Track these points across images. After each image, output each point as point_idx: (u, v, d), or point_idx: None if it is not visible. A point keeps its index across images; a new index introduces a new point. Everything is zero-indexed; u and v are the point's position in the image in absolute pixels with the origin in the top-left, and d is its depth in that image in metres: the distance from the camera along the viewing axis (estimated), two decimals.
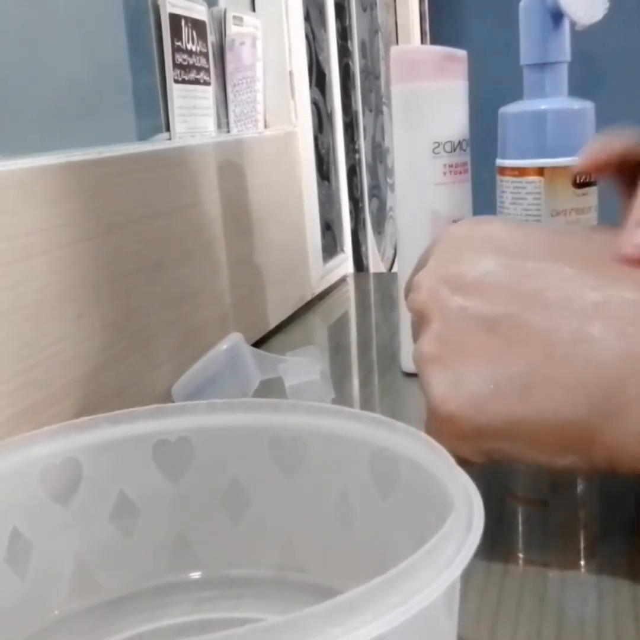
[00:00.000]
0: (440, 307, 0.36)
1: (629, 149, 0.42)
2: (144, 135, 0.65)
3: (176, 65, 0.64)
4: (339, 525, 0.33)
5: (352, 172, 1.14)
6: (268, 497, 0.34)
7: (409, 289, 0.39)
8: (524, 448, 0.34)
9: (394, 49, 0.57)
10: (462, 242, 0.37)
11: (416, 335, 0.38)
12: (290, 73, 0.85)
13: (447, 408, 0.34)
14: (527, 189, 0.55)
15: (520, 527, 0.39)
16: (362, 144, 1.18)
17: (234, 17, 0.74)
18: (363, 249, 1.19)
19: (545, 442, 0.33)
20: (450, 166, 0.56)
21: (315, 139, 0.94)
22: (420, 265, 0.39)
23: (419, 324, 0.37)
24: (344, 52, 1.11)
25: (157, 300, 0.55)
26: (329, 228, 1.00)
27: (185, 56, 0.65)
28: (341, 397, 0.56)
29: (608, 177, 0.44)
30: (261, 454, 0.34)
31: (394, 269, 1.35)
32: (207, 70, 0.70)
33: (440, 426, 0.35)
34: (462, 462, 0.34)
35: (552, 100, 0.56)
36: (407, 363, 0.61)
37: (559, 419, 0.32)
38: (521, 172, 0.56)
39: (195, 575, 0.35)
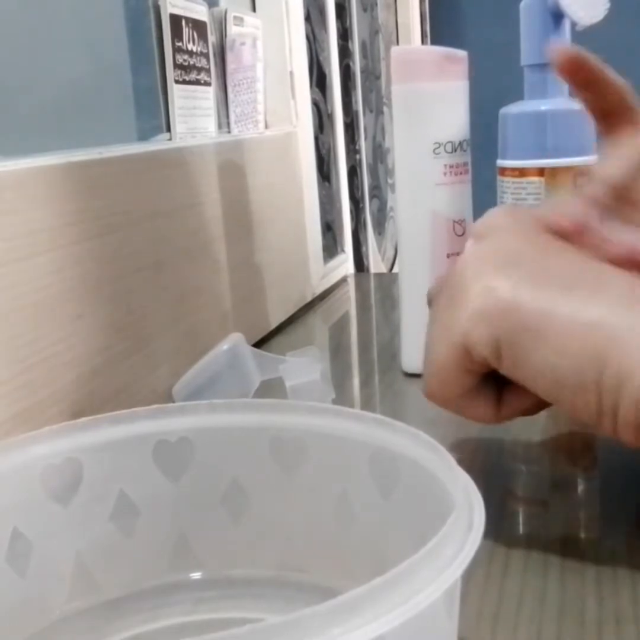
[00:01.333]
0: (502, 223, 0.38)
1: (606, 77, 0.44)
2: (144, 135, 0.65)
3: (177, 66, 0.64)
4: (339, 526, 0.33)
5: (353, 172, 1.14)
6: (268, 497, 0.34)
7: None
8: (542, 347, 0.33)
9: (394, 50, 0.57)
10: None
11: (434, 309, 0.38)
12: (291, 73, 0.85)
13: (485, 281, 0.34)
14: (528, 189, 0.56)
15: (520, 527, 0.39)
16: (363, 144, 1.19)
17: (235, 17, 0.74)
18: (363, 249, 1.19)
19: (566, 346, 0.32)
20: (451, 166, 0.56)
21: (316, 139, 0.94)
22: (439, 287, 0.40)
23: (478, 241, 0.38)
24: (345, 53, 1.11)
25: (158, 300, 0.55)
26: (329, 228, 1.00)
27: (185, 56, 0.65)
28: (341, 397, 0.56)
29: (581, 93, 0.45)
30: (261, 454, 0.34)
31: (395, 270, 1.35)
32: (208, 71, 0.70)
33: (468, 299, 0.34)
34: (459, 366, 0.35)
35: (552, 101, 0.56)
36: (408, 363, 0.61)
37: (590, 325, 0.32)
38: (521, 172, 0.56)
39: (195, 575, 0.35)
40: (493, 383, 0.37)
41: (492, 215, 0.39)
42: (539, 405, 0.38)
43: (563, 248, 0.36)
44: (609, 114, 0.43)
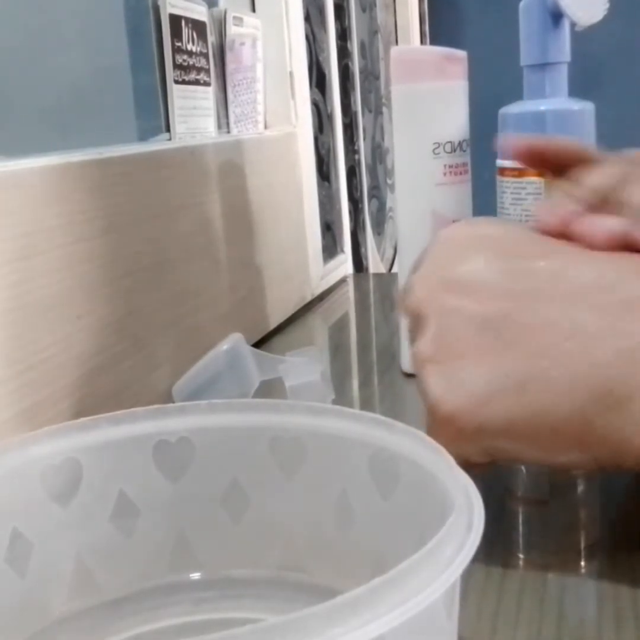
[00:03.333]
0: (435, 308, 0.36)
1: (563, 148, 0.44)
2: (144, 135, 0.65)
3: (176, 66, 0.64)
4: (339, 526, 0.33)
5: (352, 172, 1.14)
6: (268, 497, 0.34)
7: (404, 292, 0.39)
8: (525, 447, 0.34)
9: (394, 50, 0.57)
10: (456, 243, 0.38)
11: (413, 337, 0.38)
12: (291, 74, 0.85)
13: (445, 409, 0.34)
14: (528, 189, 0.56)
15: (520, 527, 0.39)
16: (362, 144, 1.18)
17: (234, 17, 0.74)
18: (363, 249, 1.19)
19: (545, 440, 0.33)
20: (450, 167, 0.56)
21: (316, 139, 0.94)
22: (416, 268, 0.39)
23: (415, 325, 0.37)
24: (343, 53, 1.11)
25: (157, 300, 0.55)
26: (329, 229, 1.00)
27: (185, 57, 0.65)
28: (341, 397, 0.56)
29: (534, 168, 0.46)
30: (261, 454, 0.34)
31: (394, 270, 1.35)
32: (207, 71, 0.70)
33: (441, 427, 0.35)
34: (467, 464, 0.35)
35: (552, 101, 0.56)
36: (407, 363, 0.61)
37: (558, 416, 0.32)
38: (521, 172, 0.56)
39: (195, 575, 0.35)
40: None
41: (424, 290, 0.37)
42: None
43: (488, 316, 0.35)
44: (566, 168, 0.43)
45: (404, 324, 0.60)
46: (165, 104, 0.64)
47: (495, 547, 0.37)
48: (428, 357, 0.35)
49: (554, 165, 0.43)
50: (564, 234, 0.36)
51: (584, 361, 0.32)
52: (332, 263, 0.98)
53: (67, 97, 0.57)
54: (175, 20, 0.63)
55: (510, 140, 0.44)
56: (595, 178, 0.39)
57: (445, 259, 0.37)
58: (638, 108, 1.60)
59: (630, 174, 0.38)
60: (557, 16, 0.54)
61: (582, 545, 0.38)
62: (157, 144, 0.63)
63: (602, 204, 0.38)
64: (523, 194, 0.56)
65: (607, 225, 0.35)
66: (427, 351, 0.35)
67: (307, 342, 0.75)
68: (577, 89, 0.56)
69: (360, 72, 1.21)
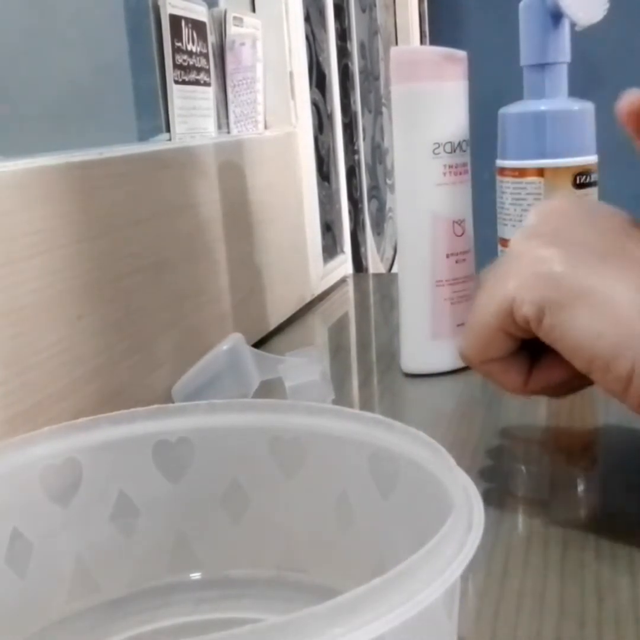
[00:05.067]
0: (539, 213, 0.39)
1: None
2: (144, 136, 0.65)
3: (176, 66, 0.64)
4: (338, 526, 0.33)
5: (352, 173, 1.14)
6: (268, 497, 0.34)
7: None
8: (586, 316, 0.34)
9: (394, 50, 0.57)
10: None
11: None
12: (291, 74, 0.85)
13: (540, 250, 0.36)
14: (528, 189, 0.56)
15: (520, 527, 0.39)
16: (362, 144, 1.18)
17: (234, 17, 0.74)
18: (362, 249, 1.19)
19: (612, 315, 0.34)
20: (450, 167, 0.56)
21: (316, 139, 0.94)
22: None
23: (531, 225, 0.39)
24: (343, 53, 1.11)
25: (157, 300, 0.55)
26: (329, 229, 1.00)
27: (185, 57, 0.65)
28: (341, 397, 0.56)
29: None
30: (261, 454, 0.34)
31: (394, 270, 1.35)
32: (207, 71, 0.70)
33: (520, 262, 0.36)
34: (501, 325, 0.37)
35: (552, 101, 0.56)
36: (407, 363, 0.61)
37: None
38: (521, 172, 0.56)
39: (195, 575, 0.35)
40: (526, 355, 0.39)
41: (542, 209, 0.40)
42: (565, 385, 0.40)
43: (615, 226, 0.37)
44: None
45: (404, 324, 0.60)
46: (165, 104, 0.64)
47: (495, 547, 0.37)
48: (531, 232, 0.38)
49: None
50: None
51: None
52: (332, 263, 0.98)
53: (67, 97, 0.57)
54: (175, 20, 0.63)
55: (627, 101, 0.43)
56: None
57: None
58: None
59: None
60: (557, 16, 0.54)
61: (582, 545, 0.38)
62: (157, 144, 0.63)
63: None
64: (523, 194, 0.56)
65: None
66: (530, 230, 0.38)
67: (307, 342, 0.75)
68: (577, 89, 0.56)
69: (360, 73, 1.21)
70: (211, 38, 0.71)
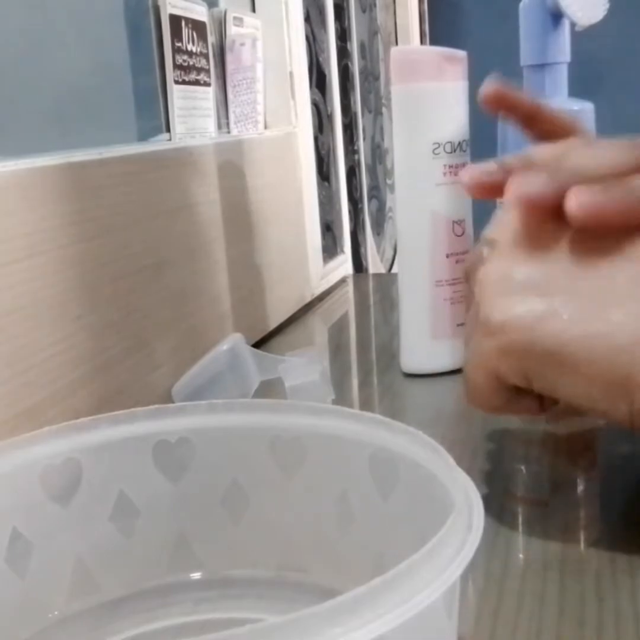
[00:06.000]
0: (509, 232, 0.37)
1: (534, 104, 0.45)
2: (144, 136, 0.65)
3: (176, 66, 0.64)
4: (338, 526, 0.33)
5: (352, 173, 1.14)
6: (268, 497, 0.34)
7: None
8: (568, 373, 0.33)
9: (394, 50, 0.57)
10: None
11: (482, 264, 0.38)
12: (291, 74, 0.85)
13: (501, 318, 0.34)
14: None
15: (520, 527, 0.39)
16: (362, 145, 1.18)
17: (234, 17, 0.74)
18: (362, 249, 1.19)
19: (592, 370, 0.33)
20: (450, 167, 0.56)
21: (316, 139, 0.94)
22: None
23: (479, 259, 0.38)
24: (343, 53, 1.11)
25: (157, 300, 0.55)
26: (329, 229, 1.00)
27: (185, 57, 0.65)
28: (341, 397, 0.56)
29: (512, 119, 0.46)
30: (261, 454, 0.34)
31: (394, 270, 1.35)
32: (207, 71, 0.70)
33: (491, 336, 0.35)
34: (496, 391, 0.36)
35: (552, 101, 0.56)
36: (407, 363, 0.61)
37: (617, 344, 0.32)
38: None
39: (195, 575, 0.35)
40: None
41: (503, 221, 0.38)
42: None
43: (577, 257, 0.35)
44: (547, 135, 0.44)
45: (404, 324, 0.60)
46: (165, 104, 0.64)
47: (495, 547, 0.37)
48: (495, 274, 0.36)
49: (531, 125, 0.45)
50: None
51: None
52: (332, 263, 0.98)
53: (67, 97, 0.57)
54: (175, 20, 0.63)
55: (487, 86, 0.45)
56: (543, 150, 0.39)
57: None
58: (638, 108, 1.60)
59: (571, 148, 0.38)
60: (557, 16, 0.54)
61: (582, 545, 0.38)
62: (157, 144, 0.63)
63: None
64: None
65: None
66: (495, 269, 0.36)
67: (307, 342, 0.75)
68: (577, 89, 0.56)
69: (360, 73, 1.21)
70: (211, 38, 0.71)
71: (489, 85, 0.45)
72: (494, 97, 0.45)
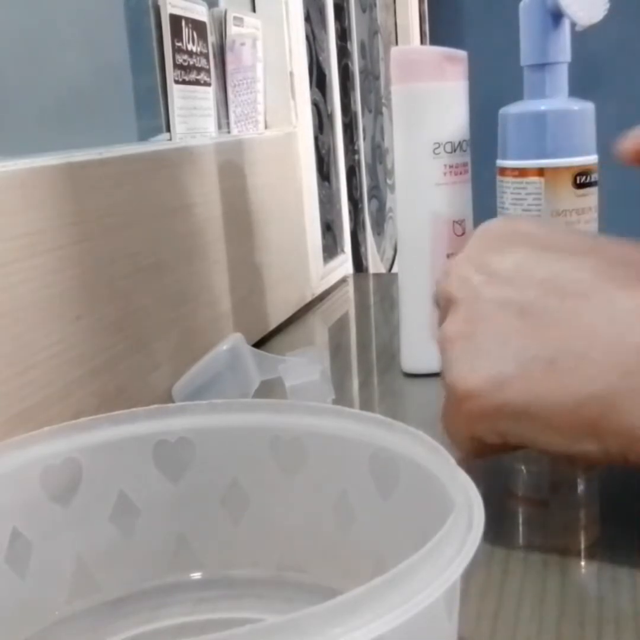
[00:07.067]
0: (470, 291, 0.37)
1: None
2: (144, 135, 0.65)
3: (176, 66, 0.64)
4: (338, 526, 0.33)
5: (352, 173, 1.14)
6: (268, 497, 0.34)
7: (440, 275, 0.40)
8: (541, 430, 0.34)
9: (394, 50, 0.57)
10: (495, 235, 0.39)
11: (442, 319, 0.38)
12: (291, 74, 0.85)
13: (467, 385, 0.35)
14: (528, 189, 0.55)
15: (520, 527, 0.39)
16: (362, 144, 1.18)
17: (235, 17, 0.74)
18: (362, 249, 1.19)
19: (562, 422, 0.33)
20: (451, 167, 0.56)
21: (316, 139, 0.94)
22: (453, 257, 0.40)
23: (446, 308, 0.38)
24: (344, 53, 1.11)
25: (157, 300, 0.55)
26: (329, 229, 1.00)
27: (185, 57, 0.65)
28: (341, 397, 0.56)
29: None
30: (261, 454, 0.34)
31: (394, 270, 1.35)
32: (208, 71, 0.70)
33: (460, 404, 0.35)
34: (477, 448, 0.36)
35: (552, 101, 0.55)
36: (407, 363, 0.61)
37: (581, 396, 0.32)
38: (521, 172, 0.56)
39: (196, 575, 0.35)
40: None
41: (459, 277, 0.38)
42: None
43: (539, 308, 0.35)
44: None
45: (404, 324, 0.60)
46: (166, 104, 0.64)
47: (495, 547, 0.37)
48: (456, 335, 0.36)
49: None
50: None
51: (621, 342, 0.32)
52: (332, 263, 0.98)
53: (67, 97, 0.57)
54: (175, 20, 0.63)
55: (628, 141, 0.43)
56: None
57: (482, 249, 0.38)
58: (638, 108, 1.60)
59: None
60: (557, 16, 0.54)
61: (582, 545, 0.38)
62: (157, 144, 0.63)
63: None
64: (523, 194, 0.56)
65: None
66: (456, 329, 0.36)
67: (307, 342, 0.75)
68: (577, 89, 0.56)
69: (360, 72, 1.21)
70: (211, 38, 0.71)
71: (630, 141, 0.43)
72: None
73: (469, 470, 0.27)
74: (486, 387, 0.34)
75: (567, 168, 0.54)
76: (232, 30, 0.74)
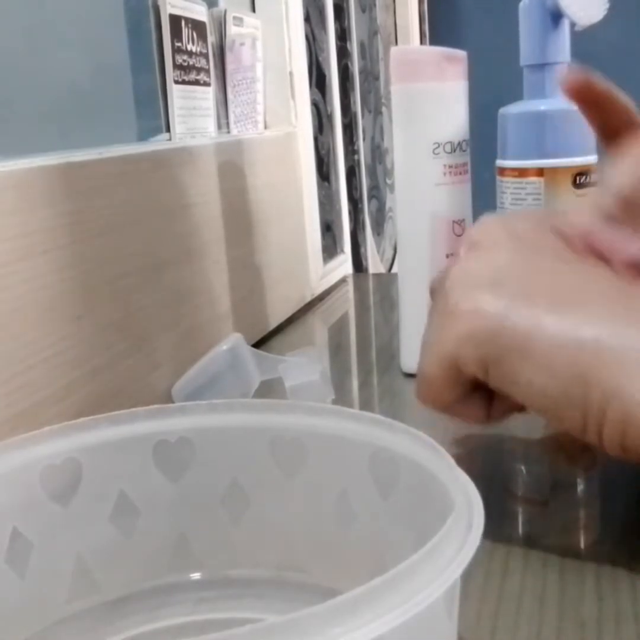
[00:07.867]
0: (488, 234, 0.37)
1: (613, 97, 0.44)
2: (144, 136, 0.65)
3: (176, 66, 0.64)
4: (338, 526, 0.33)
5: (351, 173, 1.14)
6: (268, 497, 0.34)
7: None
8: (528, 373, 0.33)
9: (394, 50, 0.57)
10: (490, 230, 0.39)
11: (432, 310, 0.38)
12: (290, 74, 0.85)
13: (473, 305, 0.34)
14: (527, 189, 0.56)
15: (520, 527, 0.39)
16: (361, 145, 1.18)
17: (234, 17, 0.74)
18: (362, 249, 1.19)
19: (554, 361, 0.32)
20: (450, 167, 0.56)
21: (316, 139, 0.94)
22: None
23: (467, 251, 0.38)
24: (343, 53, 1.11)
25: (157, 300, 0.55)
26: (329, 229, 1.00)
27: (185, 57, 0.65)
28: (341, 397, 0.56)
29: (588, 113, 0.45)
30: (261, 454, 0.34)
31: (394, 270, 1.35)
32: (207, 71, 0.70)
33: (454, 318, 0.35)
34: (448, 375, 0.36)
35: (552, 101, 0.56)
36: (407, 363, 0.61)
37: (579, 338, 0.32)
38: (521, 172, 0.56)
39: (195, 575, 0.35)
40: (484, 386, 0.37)
41: (486, 224, 0.39)
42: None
43: (555, 261, 0.36)
44: (612, 130, 0.43)
45: (404, 324, 0.60)
46: (165, 104, 0.64)
47: (495, 547, 0.37)
48: (473, 272, 0.36)
49: (602, 119, 0.44)
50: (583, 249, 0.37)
51: (619, 297, 0.33)
52: (332, 263, 0.98)
53: (67, 97, 0.57)
54: (175, 20, 0.63)
55: (571, 74, 0.44)
56: (621, 178, 0.39)
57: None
58: (638, 108, 1.60)
59: None
60: (557, 16, 0.54)
61: (582, 545, 0.38)
62: (157, 144, 0.63)
63: (630, 210, 0.38)
64: (523, 194, 0.56)
65: (626, 249, 0.36)
66: (475, 268, 0.36)
67: (307, 342, 0.75)
68: None
69: (360, 73, 1.21)
70: (211, 38, 0.71)
71: (573, 75, 0.44)
72: (578, 88, 0.44)
73: (469, 471, 0.27)
74: (491, 309, 0.34)
75: (567, 168, 0.55)
76: (231, 30, 0.74)
